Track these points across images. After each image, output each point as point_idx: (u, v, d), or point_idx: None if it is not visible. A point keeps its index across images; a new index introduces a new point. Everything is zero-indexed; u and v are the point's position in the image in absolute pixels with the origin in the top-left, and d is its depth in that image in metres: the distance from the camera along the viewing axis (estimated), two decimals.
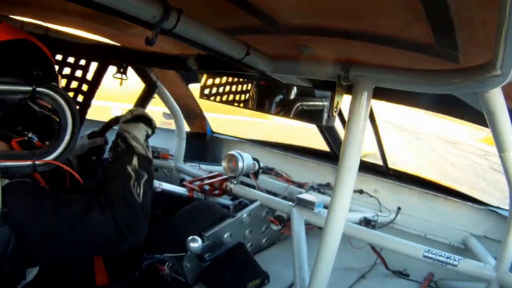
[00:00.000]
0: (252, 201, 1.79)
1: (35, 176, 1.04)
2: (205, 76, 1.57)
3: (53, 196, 1.00)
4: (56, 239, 0.99)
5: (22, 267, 1.01)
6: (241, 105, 1.50)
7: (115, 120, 1.47)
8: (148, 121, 1.32)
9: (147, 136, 1.30)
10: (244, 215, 1.70)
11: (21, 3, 1.33)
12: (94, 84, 1.69)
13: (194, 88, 2.44)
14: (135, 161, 1.17)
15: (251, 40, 1.14)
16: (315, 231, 1.83)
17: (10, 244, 0.89)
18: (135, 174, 1.15)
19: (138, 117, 1.31)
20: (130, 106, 2.28)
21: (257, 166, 2.03)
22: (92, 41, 1.73)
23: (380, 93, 1.14)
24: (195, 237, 1.43)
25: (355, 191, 2.13)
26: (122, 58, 1.77)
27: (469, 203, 1.91)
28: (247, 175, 1.99)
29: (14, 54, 1.04)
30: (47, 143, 1.06)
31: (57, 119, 1.04)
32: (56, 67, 1.56)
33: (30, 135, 1.05)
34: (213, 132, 2.88)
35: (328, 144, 2.31)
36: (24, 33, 1.10)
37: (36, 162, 0.96)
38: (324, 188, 2.18)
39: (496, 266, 1.41)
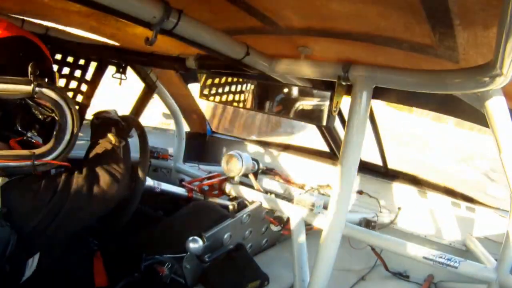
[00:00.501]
0: (251, 202, 1.79)
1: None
2: (204, 76, 1.57)
3: (52, 188, 1.00)
4: (56, 231, 1.00)
5: (22, 266, 1.01)
6: (241, 105, 1.49)
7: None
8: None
9: (116, 112, 1.44)
10: (244, 216, 1.69)
11: (21, 1, 1.32)
12: (93, 84, 1.69)
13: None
14: (112, 130, 1.28)
15: (251, 40, 1.14)
16: (315, 232, 1.83)
17: (10, 244, 0.89)
18: (114, 139, 1.24)
19: None
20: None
21: (256, 167, 2.02)
22: (91, 41, 1.73)
23: (380, 93, 1.14)
24: (196, 237, 1.42)
25: (355, 192, 2.13)
26: (122, 58, 1.77)
27: (470, 204, 1.91)
28: (246, 176, 1.99)
29: (13, 52, 1.04)
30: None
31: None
32: (55, 67, 1.56)
33: (29, 134, 1.04)
34: (213, 132, 2.88)
35: (328, 144, 2.30)
36: (23, 31, 1.10)
37: (35, 162, 0.96)
38: (324, 189, 2.18)
39: (497, 267, 1.40)
